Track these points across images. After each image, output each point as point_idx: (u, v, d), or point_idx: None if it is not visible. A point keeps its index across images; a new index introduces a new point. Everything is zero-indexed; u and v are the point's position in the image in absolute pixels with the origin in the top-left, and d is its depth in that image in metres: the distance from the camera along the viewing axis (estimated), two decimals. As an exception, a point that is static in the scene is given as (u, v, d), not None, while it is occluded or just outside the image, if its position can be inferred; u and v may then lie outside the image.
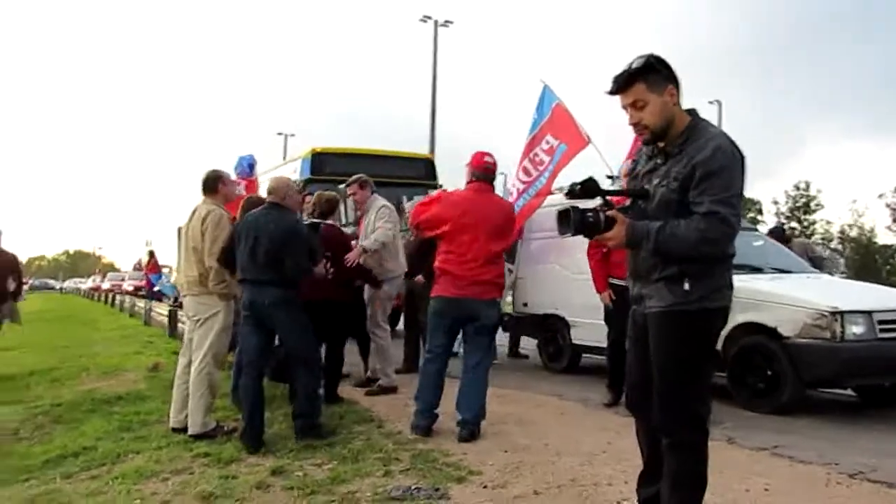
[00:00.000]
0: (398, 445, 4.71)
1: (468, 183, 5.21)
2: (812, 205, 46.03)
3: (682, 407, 2.83)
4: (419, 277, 7.50)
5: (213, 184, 5.44)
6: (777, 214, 45.60)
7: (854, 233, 44.52)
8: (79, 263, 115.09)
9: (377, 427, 5.28)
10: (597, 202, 2.94)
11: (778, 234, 9.51)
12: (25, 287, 8.44)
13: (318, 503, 3.63)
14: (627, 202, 3.09)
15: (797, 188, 46.59)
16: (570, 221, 2.87)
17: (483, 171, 5.18)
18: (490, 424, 5.18)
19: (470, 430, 4.93)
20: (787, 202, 46.58)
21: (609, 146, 7.80)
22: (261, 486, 3.94)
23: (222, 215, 5.35)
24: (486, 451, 4.59)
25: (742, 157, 2.80)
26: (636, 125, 2.88)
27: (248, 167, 9.26)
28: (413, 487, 3.80)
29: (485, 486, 3.88)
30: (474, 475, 4.06)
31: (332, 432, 5.06)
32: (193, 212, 5.45)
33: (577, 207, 2.87)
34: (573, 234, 2.95)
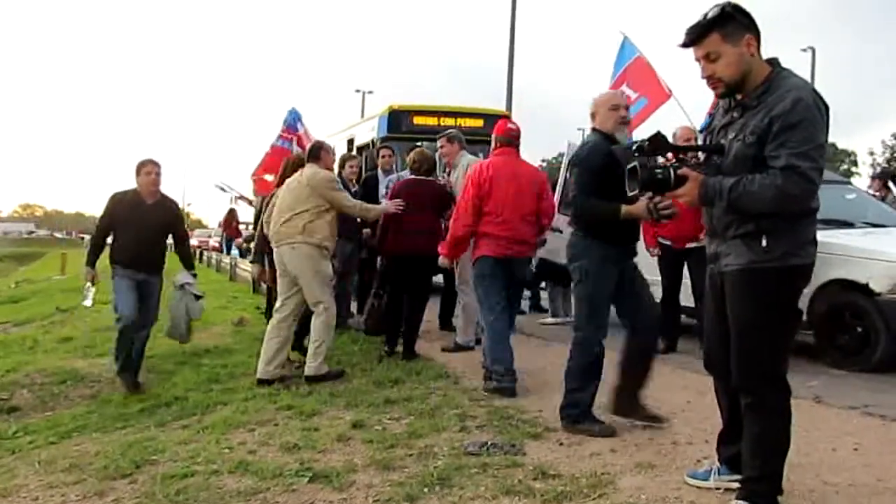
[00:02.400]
0: (474, 401, 4.74)
1: (493, 149, 5.55)
2: (912, 155, 43.59)
3: (760, 367, 2.75)
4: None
5: (317, 152, 6.07)
6: (873, 165, 43.33)
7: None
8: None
9: (453, 383, 5.33)
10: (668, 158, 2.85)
11: (890, 176, 9.06)
12: None
13: (397, 456, 3.69)
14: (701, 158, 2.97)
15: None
16: (638, 178, 2.78)
17: (505, 135, 5.48)
18: (567, 382, 5.15)
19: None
20: (884, 152, 44.19)
21: (693, 102, 7.53)
22: (341, 438, 4.04)
23: (333, 176, 6.04)
24: (563, 409, 4.58)
25: (825, 109, 2.65)
26: (709, 78, 2.76)
27: (295, 121, 9.34)
28: (489, 443, 3.81)
29: (561, 443, 3.87)
30: (550, 432, 4.06)
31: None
32: (297, 174, 5.93)
33: (646, 164, 2.78)
34: (641, 192, 2.86)
